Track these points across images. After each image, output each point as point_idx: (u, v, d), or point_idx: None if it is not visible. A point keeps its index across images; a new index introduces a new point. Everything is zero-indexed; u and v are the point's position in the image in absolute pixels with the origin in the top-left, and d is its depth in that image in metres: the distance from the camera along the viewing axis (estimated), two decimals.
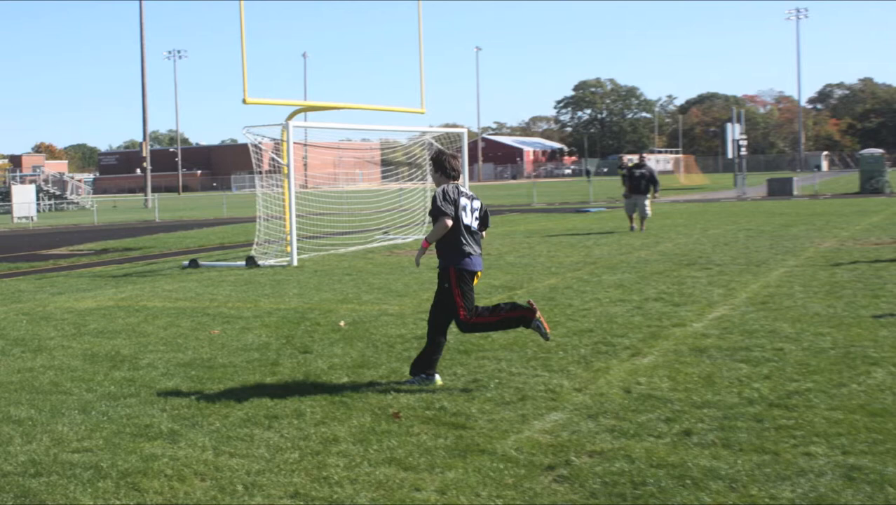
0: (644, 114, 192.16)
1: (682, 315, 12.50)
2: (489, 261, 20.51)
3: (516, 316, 9.01)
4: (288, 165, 22.23)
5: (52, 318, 14.48)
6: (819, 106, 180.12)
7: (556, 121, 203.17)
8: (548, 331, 9.02)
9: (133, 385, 9.39)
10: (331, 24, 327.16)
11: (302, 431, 7.49)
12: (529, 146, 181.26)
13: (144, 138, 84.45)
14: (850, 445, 6.74)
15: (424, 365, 9.05)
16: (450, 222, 8.91)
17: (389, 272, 19.38)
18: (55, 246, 33.11)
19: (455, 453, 6.82)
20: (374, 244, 27.27)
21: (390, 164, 45.20)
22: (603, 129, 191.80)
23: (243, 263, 22.17)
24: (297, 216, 24.30)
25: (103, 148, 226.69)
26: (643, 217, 28.81)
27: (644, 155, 33.27)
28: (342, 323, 12.79)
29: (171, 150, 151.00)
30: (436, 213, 8.94)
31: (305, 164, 57.68)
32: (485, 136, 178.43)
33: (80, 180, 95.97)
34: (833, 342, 10.37)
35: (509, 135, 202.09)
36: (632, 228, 29.01)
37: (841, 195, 50.42)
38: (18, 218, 58.86)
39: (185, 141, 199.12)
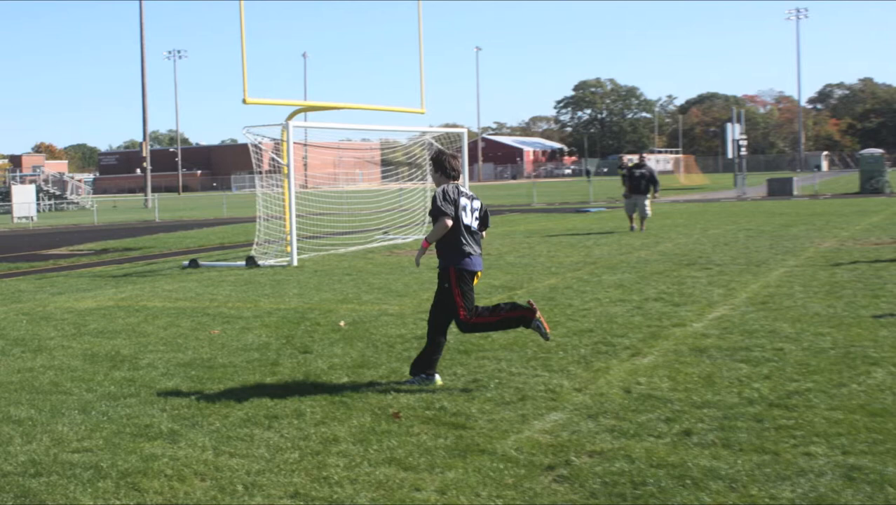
0: (644, 114, 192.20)
1: (682, 315, 12.50)
2: (489, 261, 20.51)
3: (516, 316, 9.01)
4: (288, 165, 22.24)
5: (52, 318, 14.49)
6: (819, 106, 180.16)
7: (556, 121, 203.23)
8: (548, 331, 9.03)
9: (133, 385, 9.39)
10: (331, 24, 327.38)
11: (302, 431, 7.49)
12: (529, 146, 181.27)
13: (144, 138, 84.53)
14: (850, 445, 6.74)
15: (424, 365, 9.05)
16: (450, 222, 8.92)
17: (389, 272, 19.40)
18: (55, 246, 33.13)
19: (455, 453, 6.82)
20: (374, 244, 27.29)
21: (390, 164, 45.22)
22: (603, 129, 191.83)
23: (243, 263, 22.18)
24: (297, 216, 24.30)
25: (103, 148, 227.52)
26: (643, 217, 28.82)
27: (644, 155, 33.27)
28: (342, 323, 12.80)
29: (171, 150, 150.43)
30: (436, 213, 8.95)
31: (305, 164, 57.68)
32: (485, 136, 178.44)
33: (80, 180, 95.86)
34: (833, 342, 10.37)
35: (509, 135, 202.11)
36: (632, 228, 29.02)
37: (841, 195, 50.42)
38: (18, 218, 58.83)
39: (185, 141, 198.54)
